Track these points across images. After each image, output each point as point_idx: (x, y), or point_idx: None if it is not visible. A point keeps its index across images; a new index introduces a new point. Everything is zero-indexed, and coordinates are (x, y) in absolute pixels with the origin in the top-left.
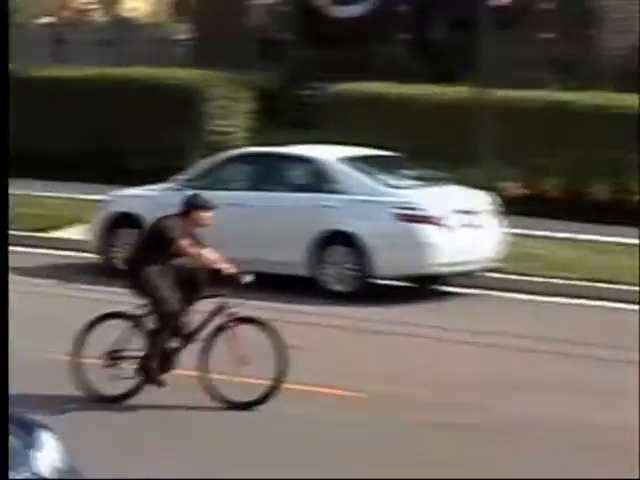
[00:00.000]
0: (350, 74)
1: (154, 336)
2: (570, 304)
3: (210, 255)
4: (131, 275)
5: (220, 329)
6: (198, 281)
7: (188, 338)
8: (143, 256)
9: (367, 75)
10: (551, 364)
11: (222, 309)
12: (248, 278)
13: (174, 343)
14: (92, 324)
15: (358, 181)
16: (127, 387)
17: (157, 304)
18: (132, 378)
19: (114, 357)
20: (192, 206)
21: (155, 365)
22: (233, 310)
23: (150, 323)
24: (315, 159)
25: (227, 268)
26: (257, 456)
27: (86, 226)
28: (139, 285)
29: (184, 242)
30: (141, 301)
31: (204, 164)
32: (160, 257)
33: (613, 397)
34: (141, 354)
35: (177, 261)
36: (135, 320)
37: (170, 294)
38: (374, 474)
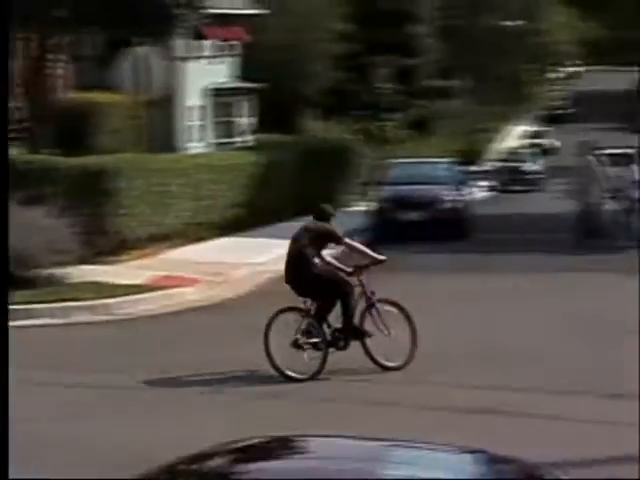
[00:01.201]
0: None
1: (344, 315)
2: None
3: (359, 246)
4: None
5: (369, 307)
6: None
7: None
8: (311, 253)
9: None
10: None
11: (364, 294)
12: (383, 257)
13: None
14: (273, 317)
15: None
16: (312, 368)
17: (337, 288)
18: (316, 359)
19: (298, 344)
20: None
21: (345, 336)
22: (370, 294)
23: (315, 311)
24: None
25: (375, 255)
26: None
27: None
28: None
29: (347, 239)
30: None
31: None
32: (318, 252)
33: None
34: (317, 339)
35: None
36: (304, 312)
37: (344, 277)
38: None
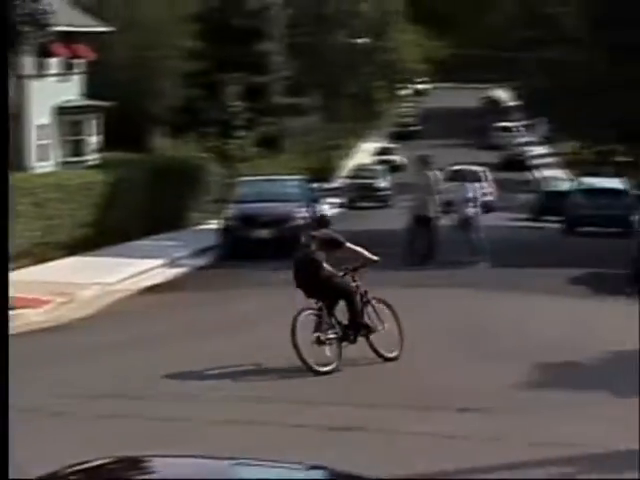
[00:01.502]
0: None
1: (352, 313)
2: None
3: (358, 248)
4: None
5: (364, 305)
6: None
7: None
8: (322, 258)
9: None
10: None
11: (359, 293)
12: (376, 258)
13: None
14: (296, 316)
15: None
16: (331, 362)
17: (345, 289)
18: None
19: (320, 341)
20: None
21: (354, 331)
22: (364, 292)
23: (326, 310)
24: None
25: (370, 255)
26: None
27: None
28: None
29: (348, 243)
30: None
31: None
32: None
33: None
34: (334, 334)
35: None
36: (319, 311)
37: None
38: None
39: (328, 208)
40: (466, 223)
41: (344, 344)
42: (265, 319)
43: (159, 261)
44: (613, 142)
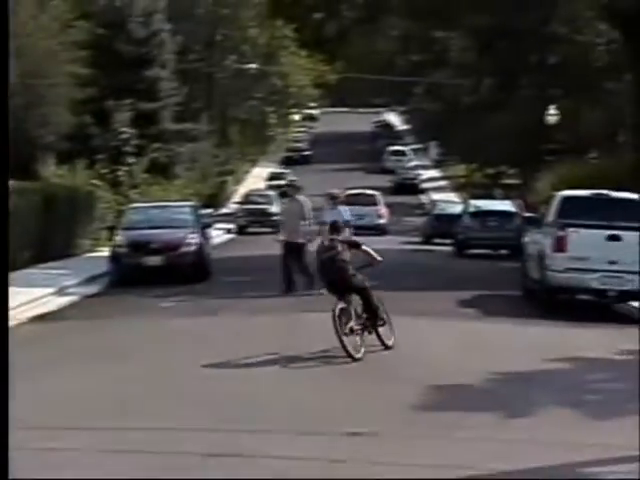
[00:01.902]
0: None
1: (370, 307)
2: None
3: (370, 250)
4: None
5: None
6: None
7: None
8: (347, 258)
9: None
10: None
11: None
12: (380, 259)
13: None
14: (334, 308)
15: None
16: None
17: (364, 287)
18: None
19: (352, 330)
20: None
21: (372, 322)
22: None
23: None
24: None
25: (377, 256)
26: None
27: None
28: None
29: (364, 245)
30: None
31: None
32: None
33: None
34: (360, 325)
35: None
36: (347, 305)
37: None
38: None
39: (221, 234)
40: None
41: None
42: (139, 350)
43: (48, 290)
44: (502, 165)
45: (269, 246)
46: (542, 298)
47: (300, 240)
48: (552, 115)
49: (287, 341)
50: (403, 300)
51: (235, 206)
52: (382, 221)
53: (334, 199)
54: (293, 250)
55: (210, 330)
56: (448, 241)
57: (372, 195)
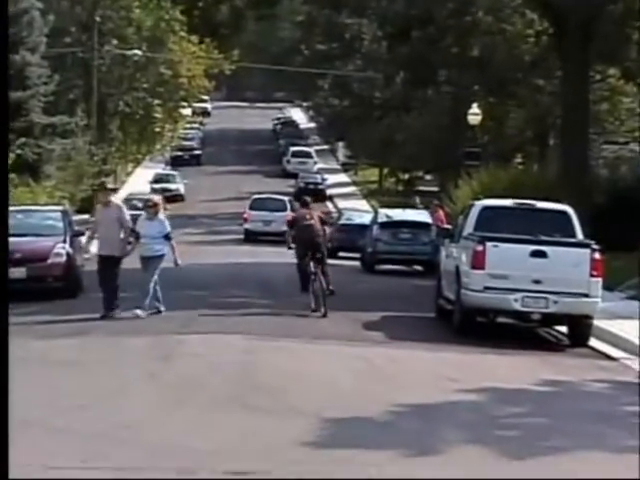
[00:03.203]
0: None
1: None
2: None
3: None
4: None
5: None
6: None
7: None
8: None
9: None
10: None
11: None
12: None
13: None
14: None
15: None
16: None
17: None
18: None
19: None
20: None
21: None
22: None
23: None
24: None
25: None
26: None
27: None
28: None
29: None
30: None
31: None
32: None
33: None
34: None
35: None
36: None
37: None
38: None
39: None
40: (148, 262)
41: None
42: None
43: None
44: (417, 169)
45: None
46: (458, 320)
47: (116, 254)
48: (474, 115)
49: (165, 368)
50: (298, 321)
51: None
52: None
53: (152, 207)
54: (109, 266)
55: (75, 354)
56: (355, 255)
57: (281, 200)
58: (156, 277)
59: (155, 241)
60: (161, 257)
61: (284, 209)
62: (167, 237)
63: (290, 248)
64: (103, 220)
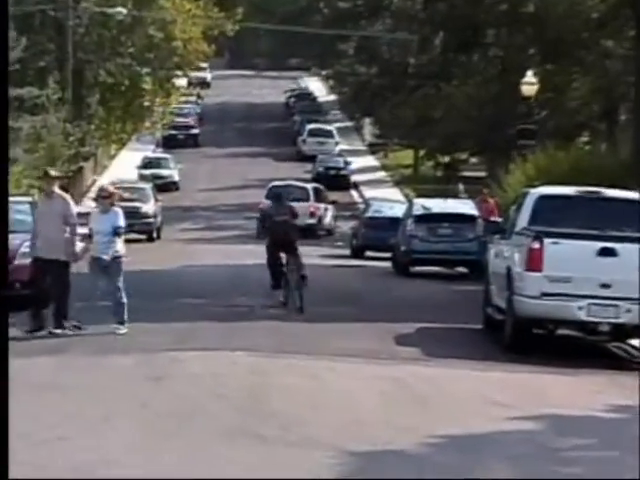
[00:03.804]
0: None
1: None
2: None
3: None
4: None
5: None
6: None
7: None
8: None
9: None
10: None
11: None
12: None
13: None
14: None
15: None
16: None
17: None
18: None
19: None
20: None
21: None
22: None
23: None
24: None
25: None
26: None
27: None
28: None
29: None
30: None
31: None
32: None
33: None
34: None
35: None
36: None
37: None
38: None
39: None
40: (101, 265)
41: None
42: None
43: None
44: (460, 151)
45: (144, 258)
46: (509, 333)
47: (62, 257)
48: (528, 84)
49: (156, 392)
50: (320, 336)
51: (94, 204)
52: (313, 221)
53: (107, 198)
54: (51, 271)
55: (53, 376)
56: (385, 255)
57: (303, 188)
58: (121, 283)
59: (110, 239)
60: (120, 259)
61: (306, 198)
62: (116, 232)
63: (260, 238)
64: (44, 215)
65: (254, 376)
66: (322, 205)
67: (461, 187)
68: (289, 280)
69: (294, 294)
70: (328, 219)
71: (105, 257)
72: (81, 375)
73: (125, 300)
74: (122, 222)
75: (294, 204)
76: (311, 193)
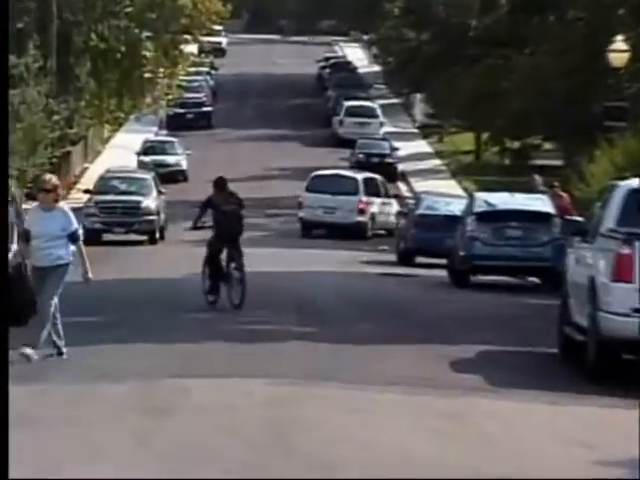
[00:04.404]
0: None
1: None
2: None
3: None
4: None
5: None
6: None
7: None
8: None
9: None
10: None
11: None
12: None
13: None
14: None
15: None
16: None
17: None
18: None
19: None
20: None
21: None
22: None
23: None
24: None
25: None
26: None
27: None
28: None
29: None
30: None
31: None
32: None
33: None
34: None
35: None
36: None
37: None
38: None
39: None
40: (45, 275)
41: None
42: None
43: None
44: (532, 135)
45: (144, 264)
46: (592, 357)
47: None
48: (617, 52)
49: (156, 428)
50: (358, 359)
51: (84, 197)
52: (363, 219)
53: (50, 192)
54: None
55: (34, 408)
56: (440, 261)
57: (351, 179)
58: (56, 300)
59: (55, 244)
60: (65, 267)
61: (354, 192)
62: (73, 237)
63: (195, 228)
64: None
65: (275, 409)
66: (378, 200)
67: (538, 179)
68: (231, 275)
69: (237, 289)
70: (390, 217)
71: (49, 265)
72: (66, 407)
73: (50, 321)
74: (75, 223)
75: (341, 198)
76: (361, 185)
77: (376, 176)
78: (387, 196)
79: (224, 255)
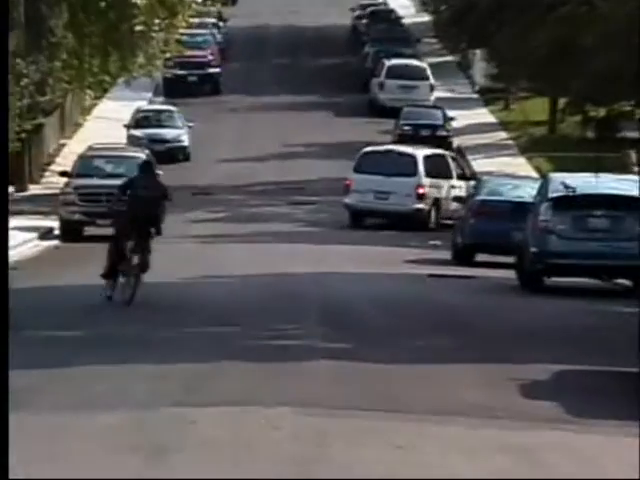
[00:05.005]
0: None
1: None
2: None
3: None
4: None
5: None
6: None
7: None
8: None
9: None
10: None
11: None
12: None
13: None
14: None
15: None
16: None
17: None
18: None
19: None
20: None
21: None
22: None
23: None
24: None
25: None
26: None
27: None
28: None
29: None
30: None
31: None
32: None
33: None
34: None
35: None
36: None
37: None
38: None
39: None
40: None
41: None
42: None
43: None
44: (619, 100)
45: None
46: None
47: None
48: None
49: (157, 469)
50: (405, 383)
51: (61, 181)
52: (423, 205)
53: None
54: None
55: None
56: (505, 260)
57: (409, 156)
58: None
59: None
60: None
61: (412, 173)
62: None
63: (110, 216)
64: None
65: (304, 445)
66: (445, 182)
67: (634, 155)
68: (130, 268)
69: (130, 281)
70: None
71: None
72: (48, 441)
73: None
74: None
75: (395, 180)
76: (420, 164)
77: (444, 152)
78: (464, 178)
79: (131, 245)
